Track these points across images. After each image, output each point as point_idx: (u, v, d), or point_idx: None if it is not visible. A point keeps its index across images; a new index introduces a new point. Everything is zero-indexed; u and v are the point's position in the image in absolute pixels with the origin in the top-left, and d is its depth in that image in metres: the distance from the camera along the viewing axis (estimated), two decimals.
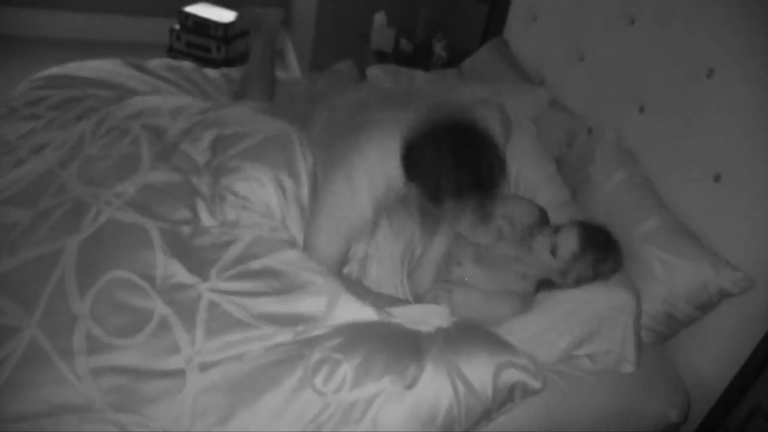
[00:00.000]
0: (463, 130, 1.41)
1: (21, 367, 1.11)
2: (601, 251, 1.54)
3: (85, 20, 3.70)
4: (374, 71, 2.43)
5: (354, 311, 1.33)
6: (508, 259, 1.61)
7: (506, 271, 1.59)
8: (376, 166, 1.44)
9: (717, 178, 1.62)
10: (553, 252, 1.53)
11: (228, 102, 2.02)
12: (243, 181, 1.46)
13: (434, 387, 1.25)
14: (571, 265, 1.53)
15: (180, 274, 1.29)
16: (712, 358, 1.63)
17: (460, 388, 1.26)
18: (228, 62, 3.30)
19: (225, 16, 3.37)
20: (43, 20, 3.62)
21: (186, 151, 1.53)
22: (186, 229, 1.38)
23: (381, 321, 1.34)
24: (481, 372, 1.29)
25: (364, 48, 3.14)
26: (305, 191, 1.51)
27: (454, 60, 2.90)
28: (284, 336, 1.25)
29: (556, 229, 1.57)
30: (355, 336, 1.28)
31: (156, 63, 2.14)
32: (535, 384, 1.34)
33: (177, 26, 3.36)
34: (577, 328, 1.49)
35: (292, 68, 3.83)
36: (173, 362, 1.17)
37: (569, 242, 1.52)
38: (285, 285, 1.32)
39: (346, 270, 1.55)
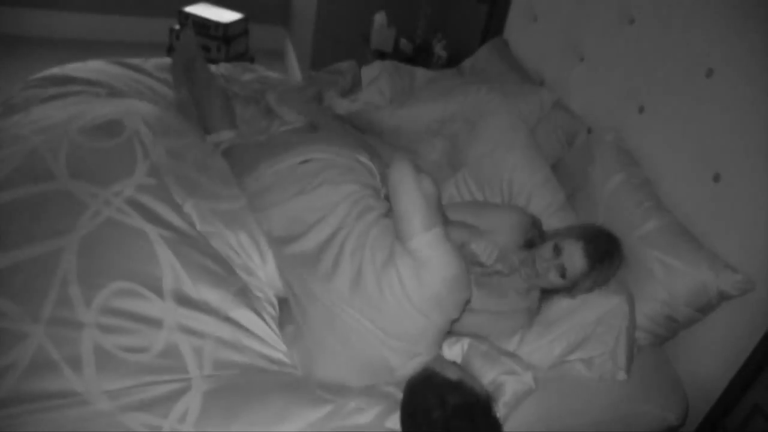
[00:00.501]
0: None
1: (28, 374, 1.11)
2: (609, 260, 1.52)
3: (85, 20, 3.70)
4: (373, 68, 2.42)
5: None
6: (509, 280, 1.59)
7: (509, 290, 1.58)
8: None
9: (717, 178, 1.62)
10: (563, 275, 1.50)
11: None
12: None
13: None
14: (583, 282, 1.51)
15: (187, 287, 1.29)
16: (711, 359, 1.63)
17: None
18: (228, 62, 3.30)
19: (225, 16, 3.37)
20: (43, 20, 3.62)
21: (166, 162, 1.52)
22: (187, 238, 1.38)
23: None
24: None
25: (364, 48, 3.15)
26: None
27: (454, 60, 2.91)
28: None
29: (556, 247, 1.51)
30: None
31: (153, 63, 2.14)
32: (525, 386, 1.36)
33: (177, 26, 3.36)
34: (572, 334, 1.49)
35: (292, 68, 3.83)
36: (181, 374, 1.18)
37: (576, 262, 1.48)
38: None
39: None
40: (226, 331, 1.27)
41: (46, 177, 1.37)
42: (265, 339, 1.33)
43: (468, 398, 1.18)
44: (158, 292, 1.26)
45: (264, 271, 1.46)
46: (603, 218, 1.75)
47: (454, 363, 1.37)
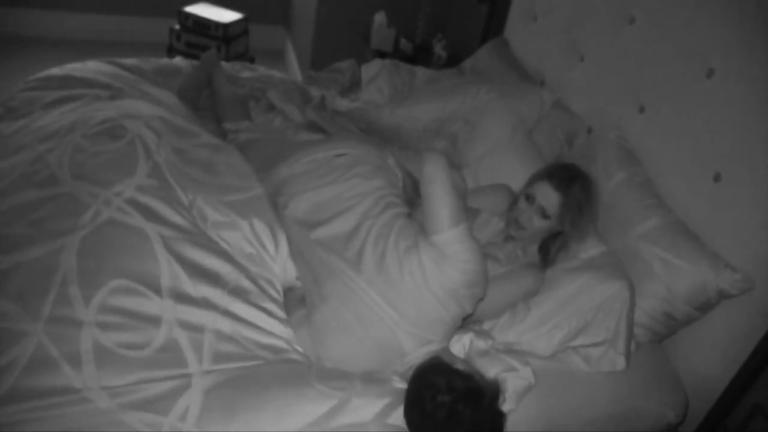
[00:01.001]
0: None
1: (28, 372, 1.11)
2: (579, 182, 1.56)
3: (85, 20, 3.70)
4: (373, 66, 2.43)
5: None
6: (501, 244, 1.64)
7: (505, 255, 1.62)
8: None
9: (717, 178, 1.62)
10: (545, 215, 1.54)
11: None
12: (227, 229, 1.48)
13: None
14: (564, 213, 1.54)
15: (185, 284, 1.30)
16: (711, 358, 1.63)
17: None
18: (228, 62, 3.30)
19: (225, 16, 3.37)
20: (43, 20, 3.62)
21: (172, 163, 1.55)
22: (187, 236, 1.39)
23: None
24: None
25: (364, 48, 3.15)
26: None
27: (454, 60, 2.91)
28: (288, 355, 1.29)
29: (527, 196, 1.57)
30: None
31: (153, 64, 2.14)
32: (525, 382, 1.36)
33: (177, 26, 3.36)
34: (573, 320, 1.50)
35: (292, 68, 3.83)
36: (180, 369, 1.18)
37: (550, 197, 1.53)
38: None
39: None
40: (225, 325, 1.28)
41: (51, 182, 1.41)
42: (265, 328, 1.33)
43: (475, 385, 1.19)
44: (156, 289, 1.26)
45: (276, 259, 1.49)
46: (604, 216, 1.75)
47: (462, 359, 1.39)
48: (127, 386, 1.13)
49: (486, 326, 1.55)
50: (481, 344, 1.46)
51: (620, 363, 1.50)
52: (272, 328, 1.34)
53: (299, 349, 1.35)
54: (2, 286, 1.21)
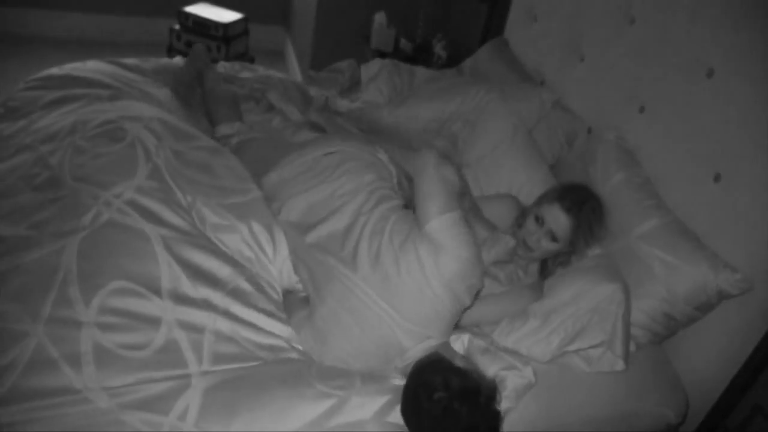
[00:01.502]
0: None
1: (28, 372, 1.11)
2: (589, 206, 1.56)
3: (85, 20, 3.70)
4: (373, 66, 2.43)
5: None
6: (503, 264, 1.63)
7: (506, 275, 1.63)
8: None
9: (717, 178, 1.62)
10: (554, 239, 1.54)
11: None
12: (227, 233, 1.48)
13: None
14: (574, 238, 1.55)
15: (185, 286, 1.30)
16: (711, 358, 1.63)
17: None
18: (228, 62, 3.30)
19: (225, 16, 3.37)
20: (43, 20, 3.62)
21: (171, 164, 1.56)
22: (187, 238, 1.39)
23: None
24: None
25: (364, 48, 3.15)
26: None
27: (454, 60, 2.90)
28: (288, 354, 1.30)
29: (536, 218, 1.56)
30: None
31: (152, 63, 2.14)
32: (525, 380, 1.36)
33: (177, 26, 3.36)
34: (569, 324, 1.50)
35: (292, 68, 3.83)
36: (180, 370, 1.19)
37: (561, 221, 1.53)
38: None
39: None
40: (224, 325, 1.28)
41: (51, 184, 1.41)
42: (264, 328, 1.33)
43: (472, 384, 1.18)
44: (156, 290, 1.27)
45: (274, 262, 1.49)
46: None
47: (462, 355, 1.39)
48: (127, 386, 1.13)
49: (486, 330, 1.55)
50: (480, 342, 1.46)
51: (619, 364, 1.50)
52: (271, 328, 1.34)
53: (299, 347, 1.35)
54: (3, 286, 1.21)
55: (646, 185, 1.78)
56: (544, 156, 2.06)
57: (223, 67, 2.36)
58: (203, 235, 1.44)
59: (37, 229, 1.32)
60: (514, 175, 1.91)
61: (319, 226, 1.46)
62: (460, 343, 1.46)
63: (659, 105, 1.84)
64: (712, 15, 1.66)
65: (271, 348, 1.30)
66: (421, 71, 2.47)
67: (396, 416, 1.21)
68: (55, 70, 1.95)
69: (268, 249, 1.49)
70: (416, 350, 1.32)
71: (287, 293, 1.51)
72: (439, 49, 2.99)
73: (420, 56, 3.04)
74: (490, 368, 1.38)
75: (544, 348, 1.49)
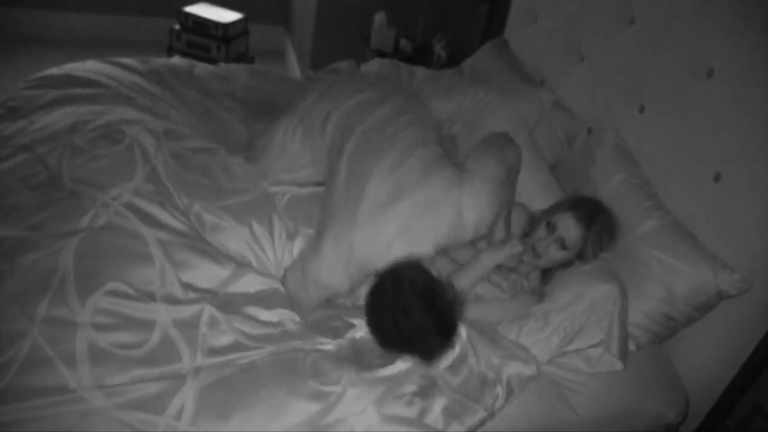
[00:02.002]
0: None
1: (23, 372, 1.11)
2: (600, 218, 1.59)
3: (85, 20, 3.70)
4: (372, 65, 2.42)
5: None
6: (506, 273, 1.65)
7: (509, 284, 1.64)
8: None
9: (717, 178, 1.62)
10: (564, 246, 1.56)
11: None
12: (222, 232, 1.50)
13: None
14: (584, 246, 1.57)
15: (180, 287, 1.31)
16: (711, 358, 1.63)
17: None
18: (228, 62, 3.30)
19: (225, 16, 3.37)
20: (43, 20, 3.62)
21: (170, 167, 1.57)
22: (184, 240, 1.40)
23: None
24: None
25: (364, 48, 3.15)
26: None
27: (454, 60, 2.90)
28: (284, 348, 1.29)
29: (548, 224, 1.59)
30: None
31: (151, 64, 2.14)
32: (529, 370, 1.36)
33: (177, 26, 3.36)
34: (568, 325, 1.50)
35: (292, 68, 3.83)
36: (175, 369, 1.19)
37: (571, 229, 1.56)
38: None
39: None
40: (218, 318, 1.29)
41: (50, 185, 1.42)
42: (260, 319, 1.34)
43: (437, 288, 1.26)
44: (151, 292, 1.28)
45: (274, 263, 1.50)
46: None
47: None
48: (123, 385, 1.13)
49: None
50: (485, 330, 1.47)
51: (617, 364, 1.50)
52: (266, 318, 1.34)
53: (296, 320, 1.35)
54: (1, 287, 1.22)
55: (645, 186, 1.78)
56: (544, 156, 2.06)
57: (224, 69, 2.37)
58: (201, 237, 1.44)
59: (35, 230, 1.32)
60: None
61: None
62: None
63: (659, 105, 1.84)
64: (713, 15, 1.66)
65: (267, 338, 1.30)
66: (420, 71, 2.47)
67: (392, 407, 1.21)
68: (54, 70, 1.95)
69: (269, 250, 1.49)
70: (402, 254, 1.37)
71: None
72: (439, 49, 2.99)
73: (420, 56, 3.04)
74: (493, 356, 1.38)
75: (543, 348, 1.49)
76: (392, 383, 1.24)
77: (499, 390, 1.31)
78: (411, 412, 1.21)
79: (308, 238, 1.53)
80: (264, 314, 1.35)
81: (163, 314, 1.25)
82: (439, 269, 1.46)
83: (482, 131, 2.02)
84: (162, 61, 2.22)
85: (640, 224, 1.67)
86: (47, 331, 1.16)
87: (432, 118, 1.78)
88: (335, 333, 1.36)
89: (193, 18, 3.31)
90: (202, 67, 2.26)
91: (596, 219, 1.58)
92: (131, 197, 1.42)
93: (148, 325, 1.23)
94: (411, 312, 1.21)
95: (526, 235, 1.63)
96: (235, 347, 1.26)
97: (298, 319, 1.38)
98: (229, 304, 1.33)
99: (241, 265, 1.43)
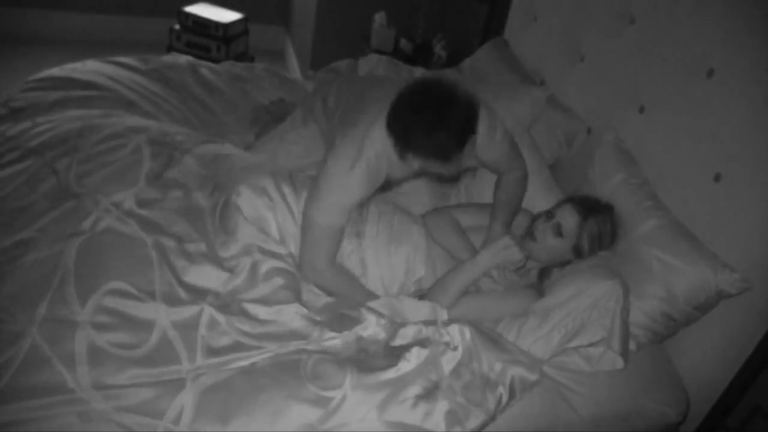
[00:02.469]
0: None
1: (21, 372, 1.11)
2: (600, 210, 1.62)
3: (85, 20, 3.70)
4: (370, 60, 2.42)
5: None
6: (504, 274, 1.65)
7: (505, 287, 1.63)
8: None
9: (717, 178, 1.62)
10: (559, 233, 1.57)
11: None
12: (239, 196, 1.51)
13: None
14: (580, 236, 1.58)
15: (181, 287, 1.32)
16: (711, 358, 1.63)
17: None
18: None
19: (225, 16, 3.37)
20: (43, 20, 3.62)
21: (186, 166, 1.59)
22: (184, 245, 1.41)
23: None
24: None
25: (364, 48, 3.15)
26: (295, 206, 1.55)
27: (454, 60, 2.91)
28: (285, 349, 1.28)
29: (548, 214, 1.62)
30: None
31: (151, 64, 2.14)
32: (532, 376, 1.36)
33: (177, 26, 3.36)
34: (569, 322, 1.50)
35: (292, 68, 3.83)
36: (174, 370, 1.18)
37: (569, 217, 1.58)
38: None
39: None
40: (218, 319, 1.28)
41: (57, 190, 1.43)
42: (258, 317, 1.33)
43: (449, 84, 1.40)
44: (151, 292, 1.28)
45: (295, 212, 1.54)
46: None
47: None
48: (121, 387, 1.13)
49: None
50: (488, 333, 1.47)
51: (618, 362, 1.50)
52: (266, 316, 1.34)
53: (302, 311, 1.35)
54: (2, 287, 1.22)
55: (644, 186, 1.78)
56: (543, 156, 2.06)
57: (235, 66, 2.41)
58: (201, 241, 1.44)
59: (41, 232, 1.33)
60: None
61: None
62: (461, 334, 1.44)
63: (659, 105, 1.84)
64: (713, 15, 1.66)
65: (267, 336, 1.29)
66: (420, 71, 2.47)
67: (393, 413, 1.20)
68: (55, 71, 1.95)
69: (288, 214, 1.52)
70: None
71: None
72: (439, 49, 2.99)
73: (420, 56, 3.04)
74: (495, 360, 1.37)
75: (544, 346, 1.49)
76: (395, 387, 1.24)
77: (502, 393, 1.31)
78: (413, 418, 1.21)
79: None
80: (265, 311, 1.34)
81: (162, 315, 1.25)
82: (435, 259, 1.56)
83: None
84: (162, 61, 2.22)
85: (640, 224, 1.67)
86: (47, 331, 1.16)
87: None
88: (343, 325, 1.35)
89: (193, 18, 3.32)
90: (205, 65, 2.27)
91: (595, 213, 1.60)
92: (134, 202, 1.44)
93: (147, 325, 1.23)
94: (454, 99, 1.35)
95: (528, 236, 1.63)
96: (235, 348, 1.26)
97: (303, 312, 1.36)
98: (230, 304, 1.33)
99: (244, 267, 1.43)
